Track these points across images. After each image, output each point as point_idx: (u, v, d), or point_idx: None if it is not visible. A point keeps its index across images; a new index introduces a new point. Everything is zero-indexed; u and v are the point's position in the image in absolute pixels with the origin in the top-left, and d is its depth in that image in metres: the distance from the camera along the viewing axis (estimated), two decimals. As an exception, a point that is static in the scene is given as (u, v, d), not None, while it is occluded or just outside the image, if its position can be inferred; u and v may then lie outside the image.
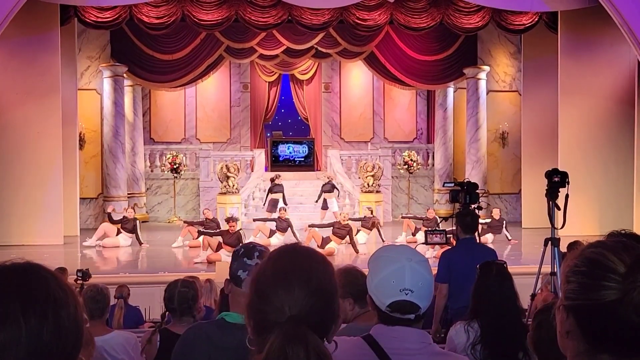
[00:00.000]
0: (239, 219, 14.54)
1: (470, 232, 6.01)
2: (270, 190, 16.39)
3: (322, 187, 16.77)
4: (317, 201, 16.77)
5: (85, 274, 7.13)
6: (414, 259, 1.99)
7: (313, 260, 1.55)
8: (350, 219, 14.15)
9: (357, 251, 13.29)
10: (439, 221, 14.12)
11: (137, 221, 14.79)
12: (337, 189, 16.91)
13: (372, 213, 14.99)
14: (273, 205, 15.87)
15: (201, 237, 13.32)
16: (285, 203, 15.97)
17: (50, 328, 1.14)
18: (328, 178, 16.99)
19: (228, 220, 13.22)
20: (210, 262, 12.20)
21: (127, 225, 14.53)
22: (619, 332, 1.17)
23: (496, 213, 15.30)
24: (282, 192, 16.30)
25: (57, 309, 1.16)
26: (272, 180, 16.56)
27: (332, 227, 13.74)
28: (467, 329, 3.55)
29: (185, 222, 15.29)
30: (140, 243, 14.46)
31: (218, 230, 13.48)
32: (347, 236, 13.60)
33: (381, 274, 1.98)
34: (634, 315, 1.15)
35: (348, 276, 3.12)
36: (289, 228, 14.18)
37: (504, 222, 15.24)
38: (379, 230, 14.46)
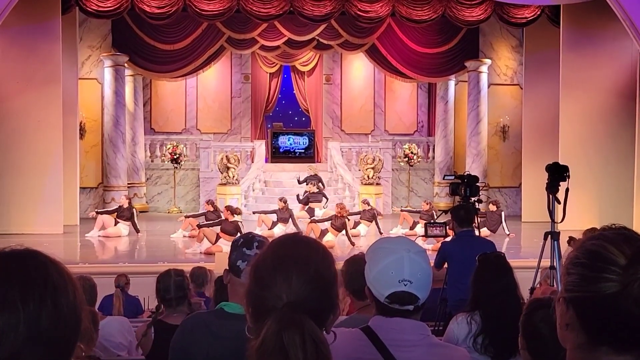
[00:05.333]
0: (240, 213, 14.07)
1: (466, 225, 6.04)
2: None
3: (309, 194, 16.01)
4: (299, 200, 15.96)
5: None
6: (412, 250, 2.00)
7: (312, 249, 1.56)
8: (350, 213, 14.07)
9: (352, 244, 13.05)
10: (435, 214, 14.04)
11: (135, 209, 14.77)
12: (326, 198, 16.18)
13: (368, 205, 14.76)
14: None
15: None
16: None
17: (48, 314, 1.14)
18: (317, 188, 16.23)
19: (228, 207, 13.09)
20: (209, 254, 12.12)
21: (124, 214, 14.51)
22: (619, 325, 1.16)
23: (492, 207, 14.58)
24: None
25: (56, 295, 1.16)
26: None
27: (330, 221, 13.66)
28: (470, 321, 3.57)
29: (186, 216, 14.99)
30: (138, 231, 14.46)
31: (217, 220, 13.09)
32: (344, 229, 13.31)
33: (380, 265, 1.99)
34: (634, 307, 1.14)
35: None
36: (290, 218, 14.14)
37: (503, 214, 14.52)
38: (376, 222, 14.35)
